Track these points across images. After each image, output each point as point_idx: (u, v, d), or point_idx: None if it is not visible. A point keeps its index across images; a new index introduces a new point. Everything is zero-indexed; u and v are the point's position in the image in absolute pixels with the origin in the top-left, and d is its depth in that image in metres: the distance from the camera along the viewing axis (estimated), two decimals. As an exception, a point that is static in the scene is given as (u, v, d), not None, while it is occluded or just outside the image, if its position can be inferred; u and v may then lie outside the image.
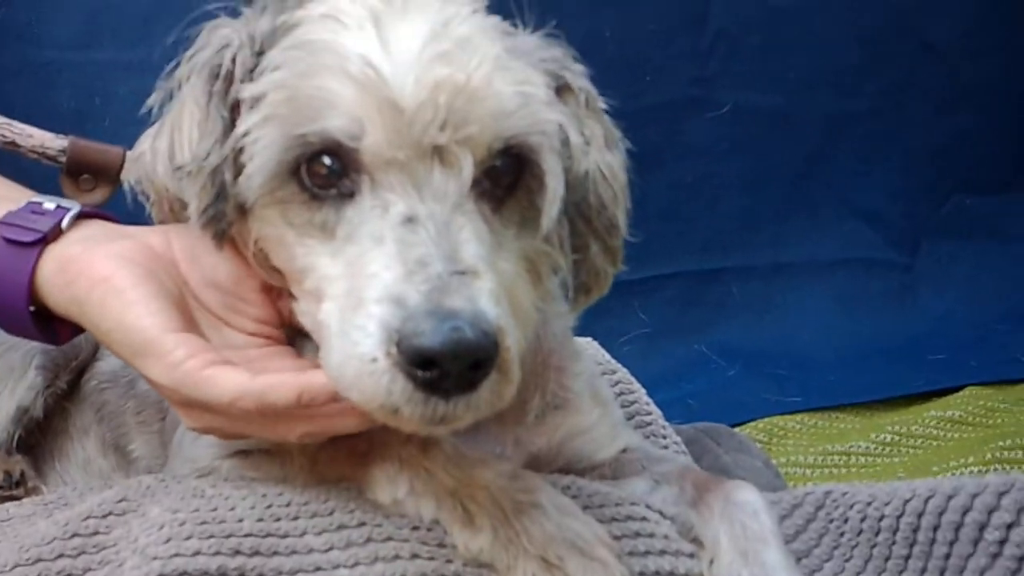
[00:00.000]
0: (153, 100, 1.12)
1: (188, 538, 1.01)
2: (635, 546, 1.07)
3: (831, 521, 1.15)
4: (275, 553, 1.01)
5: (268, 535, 1.03)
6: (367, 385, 0.90)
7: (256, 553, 1.01)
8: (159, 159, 1.10)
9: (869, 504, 1.12)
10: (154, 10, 2.33)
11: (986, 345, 2.84)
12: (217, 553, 1.00)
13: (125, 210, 1.21)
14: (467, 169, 0.96)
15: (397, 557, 1.01)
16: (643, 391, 1.64)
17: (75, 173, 1.50)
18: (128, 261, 1.09)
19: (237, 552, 1.00)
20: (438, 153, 0.96)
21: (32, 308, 1.13)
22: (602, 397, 1.31)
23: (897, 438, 2.30)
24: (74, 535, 1.04)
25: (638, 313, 2.89)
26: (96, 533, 1.05)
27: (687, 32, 2.93)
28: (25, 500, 1.26)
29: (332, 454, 1.12)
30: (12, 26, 2.22)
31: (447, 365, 0.87)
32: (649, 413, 1.58)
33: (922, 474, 1.99)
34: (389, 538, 1.02)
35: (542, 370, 1.24)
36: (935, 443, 2.27)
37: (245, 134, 1.00)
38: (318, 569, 1.00)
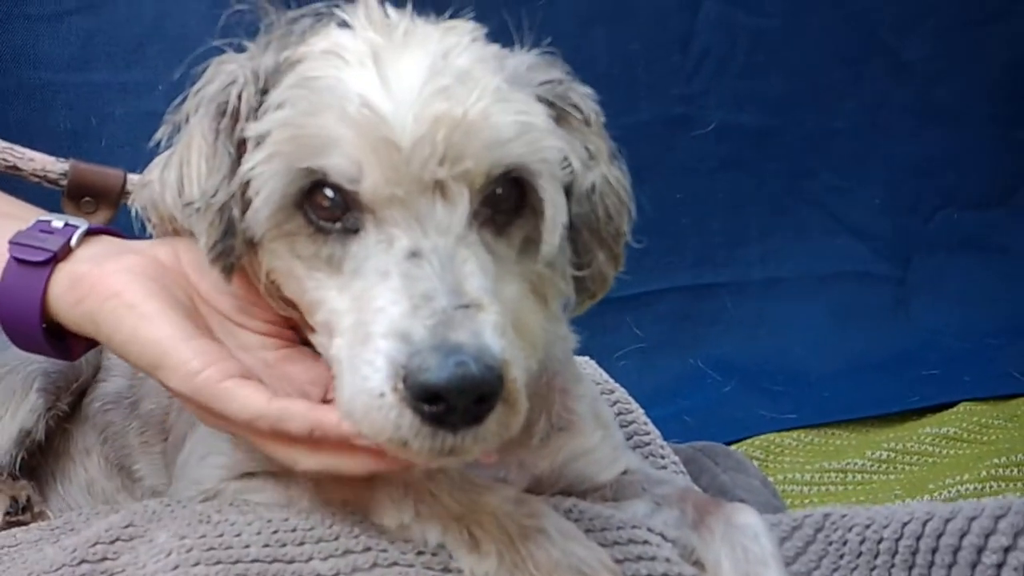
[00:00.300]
0: (161, 133, 1.13)
1: (196, 564, 1.01)
2: (637, 570, 1.08)
3: (830, 543, 1.15)
4: (282, 578, 1.02)
5: (275, 560, 1.03)
6: (376, 419, 0.91)
7: (263, 579, 1.01)
8: (167, 190, 1.11)
9: (868, 527, 1.13)
10: (148, 33, 2.35)
11: (979, 360, 2.86)
12: (224, 579, 1.01)
13: (130, 231, 1.23)
14: (463, 203, 0.97)
15: (403, 582, 1.01)
16: (641, 411, 1.65)
17: (76, 196, 1.52)
18: (138, 275, 1.10)
19: (244, 578, 1.01)
20: (439, 187, 0.97)
21: (44, 325, 1.14)
22: (604, 419, 1.32)
23: (893, 455, 2.31)
24: (82, 561, 1.05)
25: (632, 328, 2.91)
26: (104, 559, 1.05)
27: (673, 52, 2.98)
28: (32, 525, 1.27)
29: (337, 477, 1.12)
30: (9, 48, 2.23)
31: (453, 400, 0.88)
32: (647, 433, 1.59)
33: (918, 491, 2.00)
34: (395, 563, 1.03)
35: (547, 392, 1.25)
36: (931, 460, 2.28)
37: (251, 170, 1.01)
38: (324, 594, 1.01)
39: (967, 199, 3.24)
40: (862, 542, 1.13)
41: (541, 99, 1.06)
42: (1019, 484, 2.01)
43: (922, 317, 3.12)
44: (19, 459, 1.42)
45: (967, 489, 1.99)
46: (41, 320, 1.13)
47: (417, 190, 0.96)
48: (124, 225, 1.25)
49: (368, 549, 1.04)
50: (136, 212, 1.19)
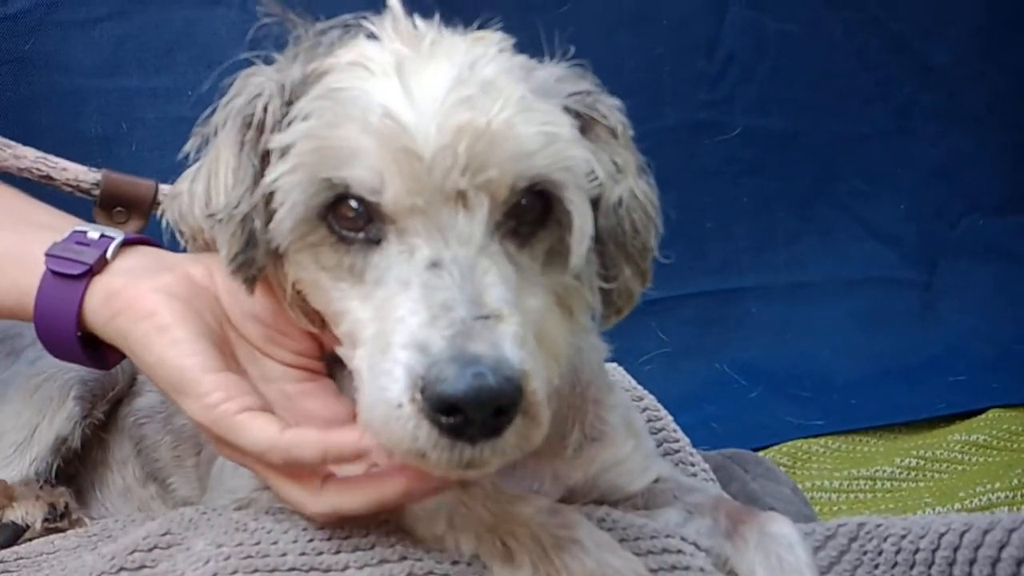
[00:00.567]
0: (189, 145, 1.14)
1: (234, 572, 1.02)
2: (672, 579, 1.08)
3: (865, 553, 1.14)
4: (319, 586, 1.03)
5: (311, 569, 1.04)
6: (394, 430, 0.91)
7: (300, 587, 1.02)
8: (196, 202, 1.12)
9: (904, 537, 1.12)
10: (178, 39, 2.37)
11: (1007, 366, 2.85)
12: (262, 587, 1.02)
13: (161, 242, 1.24)
14: (483, 213, 0.97)
15: (439, 591, 1.02)
16: (670, 418, 1.65)
17: (108, 206, 1.53)
18: (171, 296, 1.11)
19: (281, 586, 1.02)
20: (461, 197, 0.97)
21: (79, 335, 1.16)
22: (635, 428, 1.32)
23: (922, 462, 2.30)
24: (121, 569, 1.06)
25: (657, 333, 2.91)
26: (142, 567, 1.06)
27: (699, 57, 2.98)
28: (70, 532, 1.28)
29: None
30: (41, 55, 2.25)
31: (470, 412, 0.88)
32: (677, 440, 1.59)
33: (949, 500, 1.99)
34: (430, 572, 1.03)
35: (580, 403, 1.25)
36: (960, 467, 2.27)
37: (274, 182, 1.01)
38: (361, 603, 1.01)
39: (994, 205, 3.23)
40: (897, 552, 1.12)
41: (569, 111, 1.05)
42: (1053, 494, 2.00)
43: (949, 323, 3.11)
44: (56, 466, 1.44)
45: (999, 498, 1.98)
46: (77, 332, 1.15)
47: (439, 200, 0.96)
48: (154, 235, 1.26)
49: (404, 558, 1.04)
50: (167, 224, 1.20)
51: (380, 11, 1.08)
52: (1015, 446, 2.35)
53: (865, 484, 2.23)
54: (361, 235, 1.00)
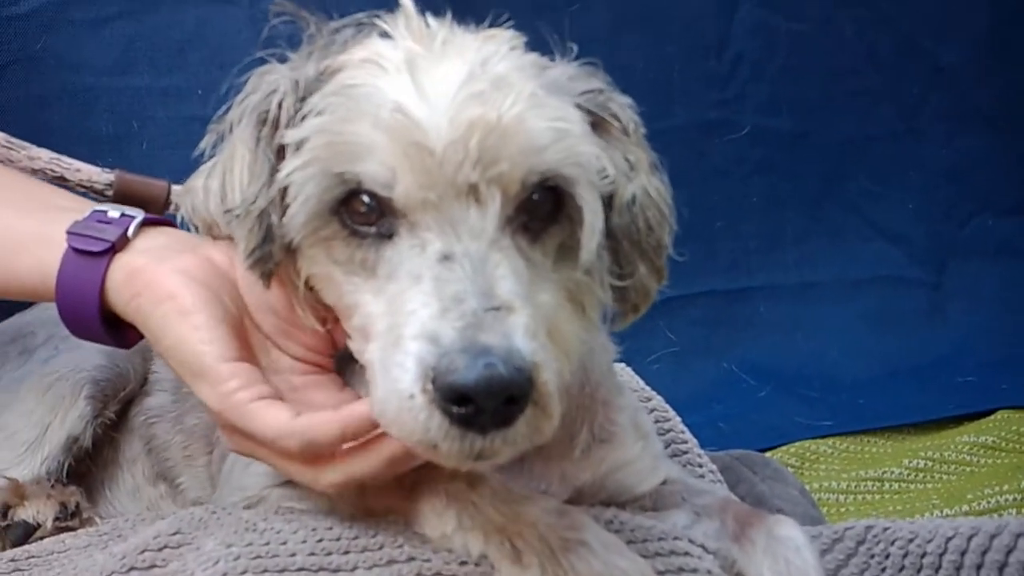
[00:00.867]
0: (205, 143, 1.15)
1: (243, 573, 1.02)
2: (679, 582, 1.08)
3: (872, 556, 1.15)
4: (327, 587, 1.03)
5: (320, 569, 1.04)
6: (406, 421, 0.92)
7: (309, 587, 1.03)
8: (211, 198, 1.13)
9: (911, 540, 1.12)
10: (189, 39, 2.38)
11: (1016, 367, 2.85)
12: (271, 587, 1.02)
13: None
14: (494, 207, 0.98)
15: (447, 592, 1.02)
16: (678, 419, 1.65)
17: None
18: (192, 280, 1.12)
19: (290, 586, 1.02)
20: (473, 192, 0.97)
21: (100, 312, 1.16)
22: (644, 430, 1.32)
23: (930, 464, 2.30)
24: (131, 568, 1.06)
25: (665, 332, 2.91)
26: (153, 566, 1.07)
27: (708, 56, 2.98)
28: (80, 531, 1.29)
29: (378, 486, 1.14)
30: (53, 54, 2.25)
31: (481, 401, 0.88)
32: (685, 442, 1.59)
33: (957, 501, 1.99)
34: (438, 573, 1.03)
35: (589, 404, 1.25)
36: (969, 469, 2.27)
37: (288, 176, 1.02)
38: (369, 603, 1.02)
39: (1004, 205, 3.23)
40: (905, 556, 1.12)
41: (580, 108, 1.06)
42: (1061, 497, 2.00)
43: (958, 323, 3.11)
44: (67, 465, 1.45)
45: (1007, 500, 1.97)
46: (99, 310, 1.15)
47: (450, 194, 0.97)
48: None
49: (412, 559, 1.05)
50: (181, 219, 1.21)
51: (393, 10, 1.09)
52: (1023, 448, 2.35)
53: (873, 485, 2.24)
54: (373, 229, 1.01)
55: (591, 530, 1.06)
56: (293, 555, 1.05)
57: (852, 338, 3.05)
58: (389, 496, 1.12)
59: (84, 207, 1.24)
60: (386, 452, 1.02)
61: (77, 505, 1.32)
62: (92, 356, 1.49)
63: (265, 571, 1.03)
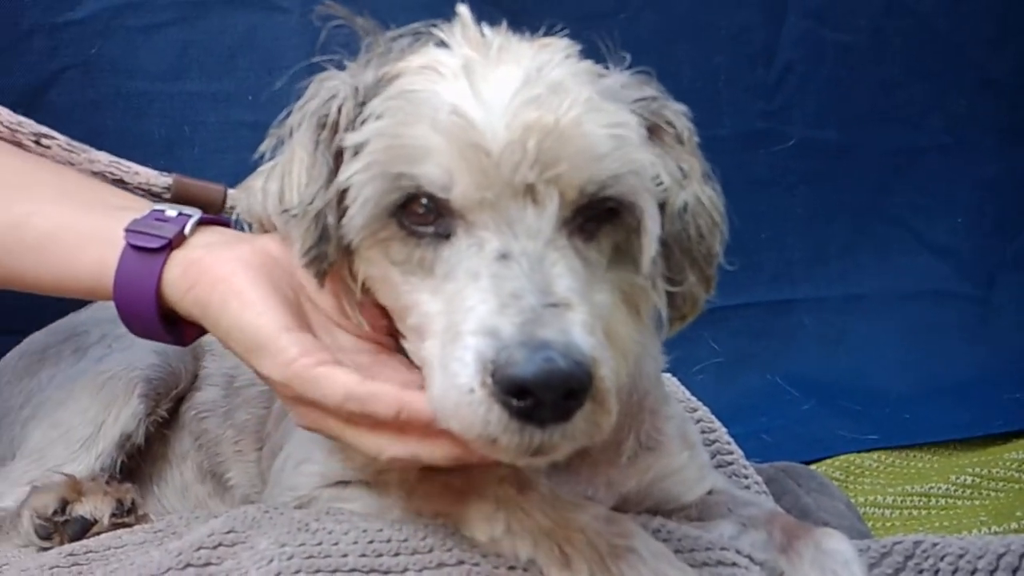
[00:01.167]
0: (265, 146, 1.18)
1: (297, 572, 1.04)
2: (726, 592, 1.08)
3: (921, 572, 1.14)
4: (378, 588, 1.04)
5: (371, 571, 1.05)
6: (465, 415, 0.92)
7: (361, 587, 1.04)
8: (269, 199, 1.15)
9: (961, 556, 1.11)
10: (239, 45, 2.40)
11: (1064, 383, 2.80)
12: (324, 587, 1.03)
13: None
14: (552, 208, 0.99)
15: (496, 596, 1.03)
16: (724, 430, 1.65)
17: (179, 209, 1.56)
18: (247, 264, 1.14)
19: (343, 586, 1.03)
20: (530, 192, 0.99)
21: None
22: (691, 439, 1.33)
23: (977, 480, 2.26)
24: (188, 565, 1.08)
25: (710, 342, 2.89)
26: (208, 564, 1.08)
27: (756, 67, 2.96)
28: (136, 527, 1.31)
29: (428, 488, 1.15)
30: (107, 59, 2.29)
31: (541, 394, 0.89)
32: (731, 452, 1.59)
33: (1005, 519, 1.96)
34: (487, 577, 1.05)
35: (637, 411, 1.26)
36: (1017, 486, 2.23)
37: (348, 179, 1.04)
38: (420, 606, 1.03)
39: (1052, 219, 3.18)
40: (954, 572, 1.11)
41: (634, 115, 1.07)
42: (1111, 514, 1.97)
43: (1005, 339, 3.06)
44: (120, 462, 1.47)
45: (1056, 518, 1.95)
46: (156, 305, 1.17)
47: (507, 195, 0.99)
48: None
49: (461, 563, 1.06)
50: (237, 219, 1.24)
51: (449, 19, 1.11)
52: (1073, 466, 2.32)
53: (919, 500, 2.20)
54: (431, 229, 1.03)
55: (640, 538, 1.06)
56: (345, 556, 1.07)
57: (897, 352, 3.01)
58: (438, 500, 1.14)
59: (143, 206, 1.26)
60: (458, 451, 1.01)
61: (133, 502, 1.34)
62: (145, 355, 1.51)
63: (318, 571, 1.04)
